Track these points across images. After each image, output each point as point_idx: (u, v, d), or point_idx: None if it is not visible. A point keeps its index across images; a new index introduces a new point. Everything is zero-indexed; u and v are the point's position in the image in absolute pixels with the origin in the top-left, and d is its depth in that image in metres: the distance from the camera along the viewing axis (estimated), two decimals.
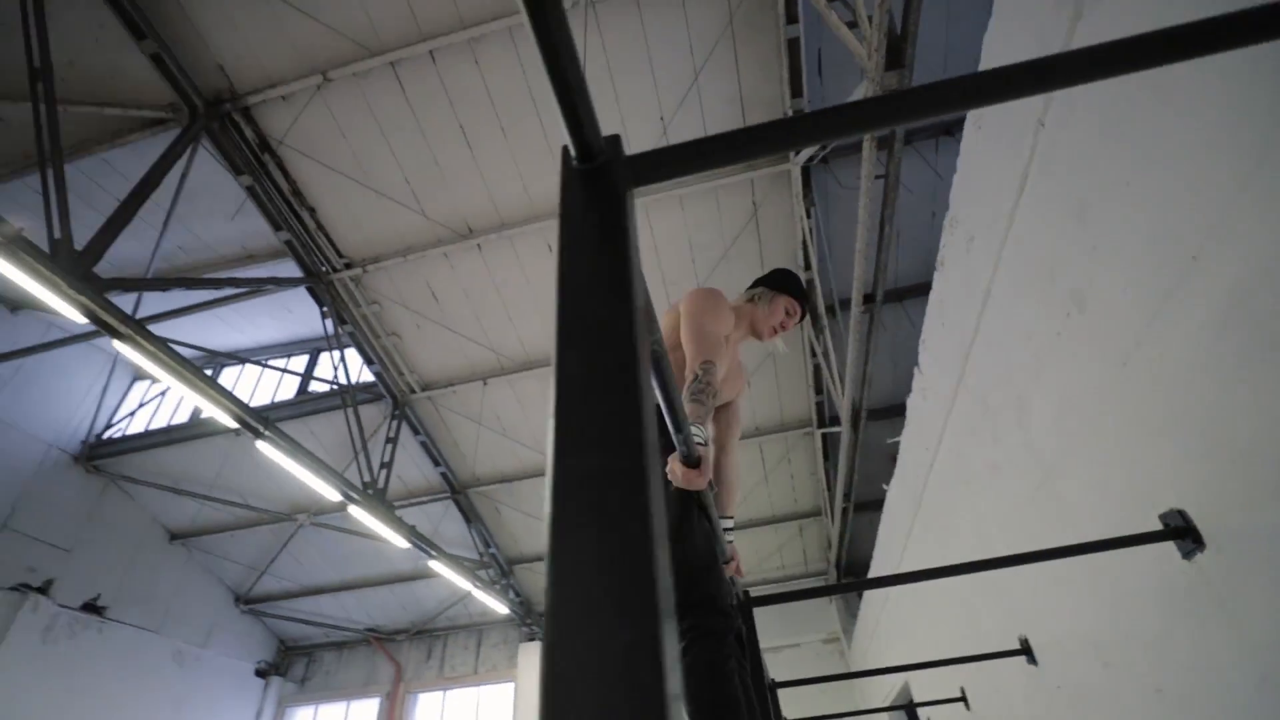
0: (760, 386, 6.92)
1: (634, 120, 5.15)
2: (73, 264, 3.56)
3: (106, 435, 7.62)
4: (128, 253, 5.59)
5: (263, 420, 4.85)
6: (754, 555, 8.42)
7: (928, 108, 0.58)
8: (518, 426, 7.47)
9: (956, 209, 2.29)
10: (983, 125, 2.00)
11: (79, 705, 6.59)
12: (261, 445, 4.93)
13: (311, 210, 5.68)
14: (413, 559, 8.20)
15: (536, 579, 9.08)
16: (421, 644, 9.74)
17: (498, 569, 8.83)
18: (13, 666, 6.09)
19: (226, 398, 4.67)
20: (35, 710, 6.20)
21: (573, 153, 0.59)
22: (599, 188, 0.56)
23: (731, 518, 2.03)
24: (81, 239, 3.86)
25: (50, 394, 7.03)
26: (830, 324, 5.76)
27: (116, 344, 3.87)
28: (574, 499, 0.35)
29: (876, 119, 0.61)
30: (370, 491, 6.26)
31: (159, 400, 7.85)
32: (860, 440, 5.50)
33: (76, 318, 3.64)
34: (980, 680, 3.15)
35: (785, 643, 8.35)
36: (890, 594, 4.96)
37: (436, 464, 7.77)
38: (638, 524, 0.31)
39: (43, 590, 6.68)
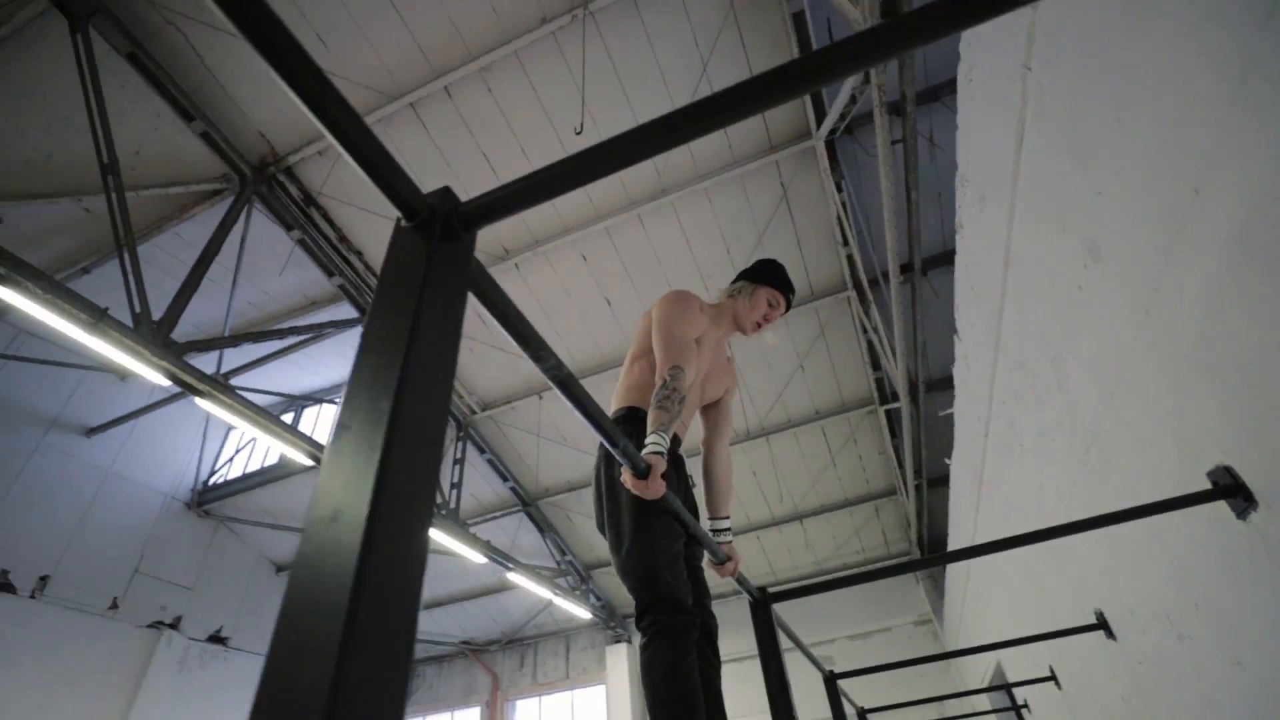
0: (815, 369, 6.76)
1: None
2: (152, 333, 3.93)
3: (211, 482, 8.34)
4: (206, 315, 6.12)
5: None
6: (830, 541, 8.22)
7: (845, 65, 0.54)
8: (578, 435, 7.61)
9: (965, 167, 2.16)
10: (973, 77, 1.89)
11: None
12: None
13: (359, 253, 6.02)
14: (496, 572, 8.50)
15: (616, 582, 9.22)
16: (514, 653, 10.09)
17: (576, 575, 9.03)
18: (156, 695, 6.79)
19: (299, 438, 5.02)
20: None
21: (399, 214, 0.63)
22: (425, 243, 0.59)
23: (726, 518, 2.00)
24: (161, 309, 4.27)
25: (160, 449, 7.77)
26: (879, 296, 5.55)
27: (197, 400, 4.25)
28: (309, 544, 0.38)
29: (794, 82, 0.57)
30: (444, 512, 6.55)
31: (251, 445, 8.51)
32: (923, 414, 5.27)
33: (161, 381, 4.03)
34: (1066, 658, 2.96)
35: (875, 628, 8.10)
36: (970, 572, 4.72)
37: (505, 479, 8.04)
38: (340, 578, 0.34)
39: (174, 626, 7.40)
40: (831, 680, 2.52)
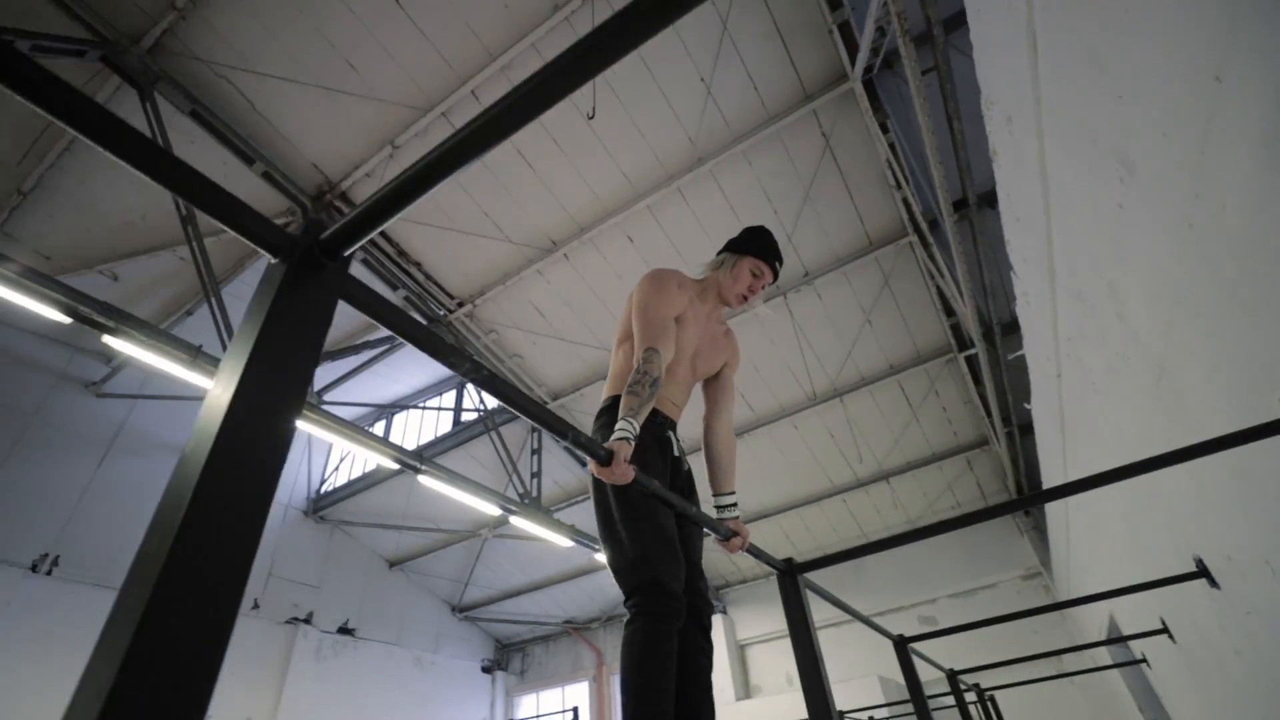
0: (884, 322, 6.44)
1: (679, 95, 5.03)
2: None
3: (323, 490, 9.12)
4: None
5: (418, 458, 5.51)
6: (922, 498, 7.87)
7: None
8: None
9: (987, 88, 1.96)
10: None
11: (350, 708, 8.04)
12: (422, 479, 5.61)
13: (418, 264, 6.30)
14: (587, 553, 8.81)
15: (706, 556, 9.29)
16: (615, 629, 10.44)
17: None
18: (299, 682, 7.60)
19: (385, 445, 5.38)
20: (321, 715, 7.67)
21: (322, 237, 0.65)
22: (287, 277, 0.61)
23: (729, 493, 1.94)
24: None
25: None
26: (941, 239, 5.19)
27: None
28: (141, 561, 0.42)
29: None
30: (527, 501, 6.84)
31: (352, 454, 9.21)
32: (1002, 358, 4.91)
33: None
34: (1174, 609, 2.70)
35: (979, 584, 7.72)
36: (1069, 523, 4.38)
37: (583, 464, 8.26)
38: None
39: (308, 620, 8.22)
40: (902, 644, 2.43)
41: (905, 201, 5.27)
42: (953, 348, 6.34)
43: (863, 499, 7.97)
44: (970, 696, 4.37)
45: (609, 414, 1.80)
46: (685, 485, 1.91)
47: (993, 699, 4.60)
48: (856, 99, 4.83)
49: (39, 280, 3.49)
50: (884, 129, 4.83)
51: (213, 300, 4.52)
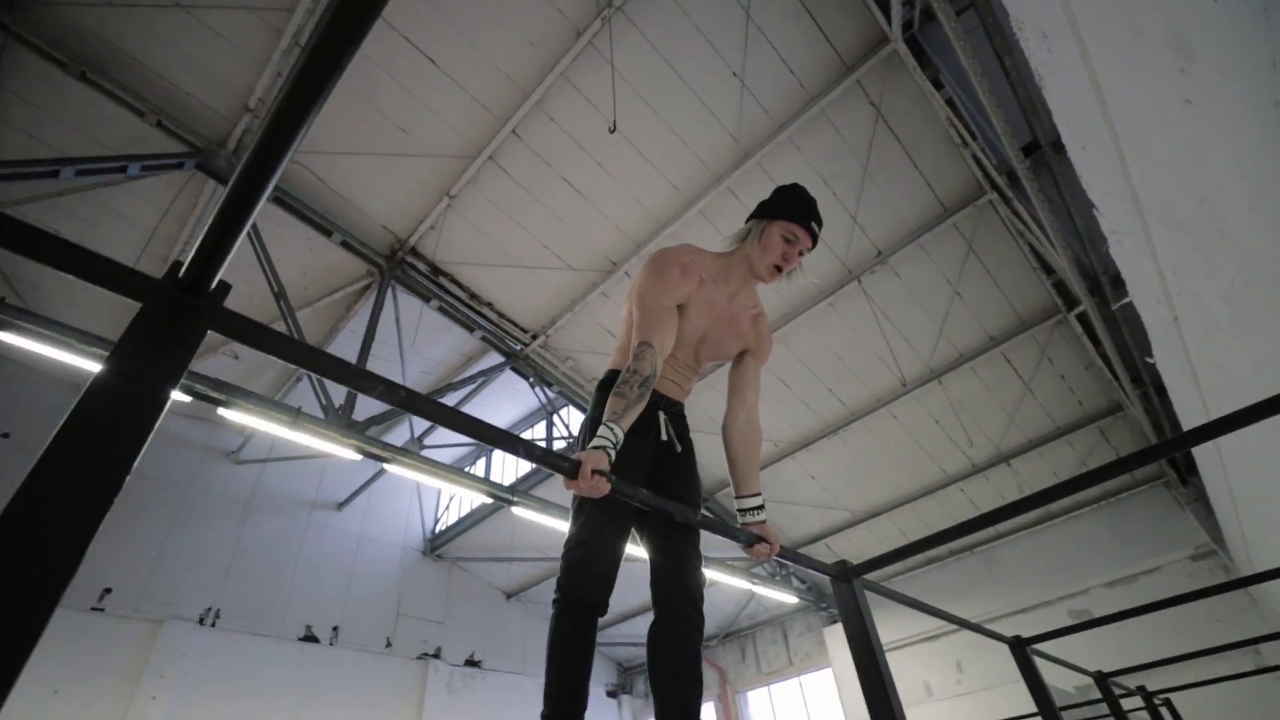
0: (975, 291, 5.92)
1: (713, 94, 4.94)
2: (337, 419, 4.66)
3: (437, 529, 9.63)
4: None
5: (509, 491, 5.67)
6: (1054, 478, 7.07)
7: None
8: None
9: (1014, 7, 1.73)
10: None
11: None
12: (516, 511, 5.75)
13: (489, 305, 6.57)
14: None
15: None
16: (734, 645, 10.15)
17: (773, 562, 8.84)
18: (435, 715, 7.98)
19: (479, 482, 5.58)
20: None
21: (181, 275, 0.65)
22: (151, 319, 0.60)
23: (752, 495, 1.77)
24: (342, 398, 5.06)
25: (392, 510, 9.18)
26: (1022, 192, 4.69)
27: (386, 466, 4.93)
28: None
29: None
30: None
31: (457, 493, 9.67)
32: (1116, 311, 4.32)
33: (354, 456, 4.75)
34: None
35: (1139, 569, 6.79)
36: (1229, 484, 3.73)
37: None
38: None
39: (437, 655, 8.64)
40: (1020, 647, 2.13)
41: (975, 158, 4.84)
42: (1060, 308, 5.70)
43: (983, 485, 7.29)
44: (1134, 702, 3.79)
45: (603, 391, 1.75)
46: (677, 471, 1.79)
47: (1168, 703, 3.96)
48: (902, 59, 4.52)
49: None
50: (937, 85, 4.47)
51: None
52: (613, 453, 1.35)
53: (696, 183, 5.55)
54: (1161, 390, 5.36)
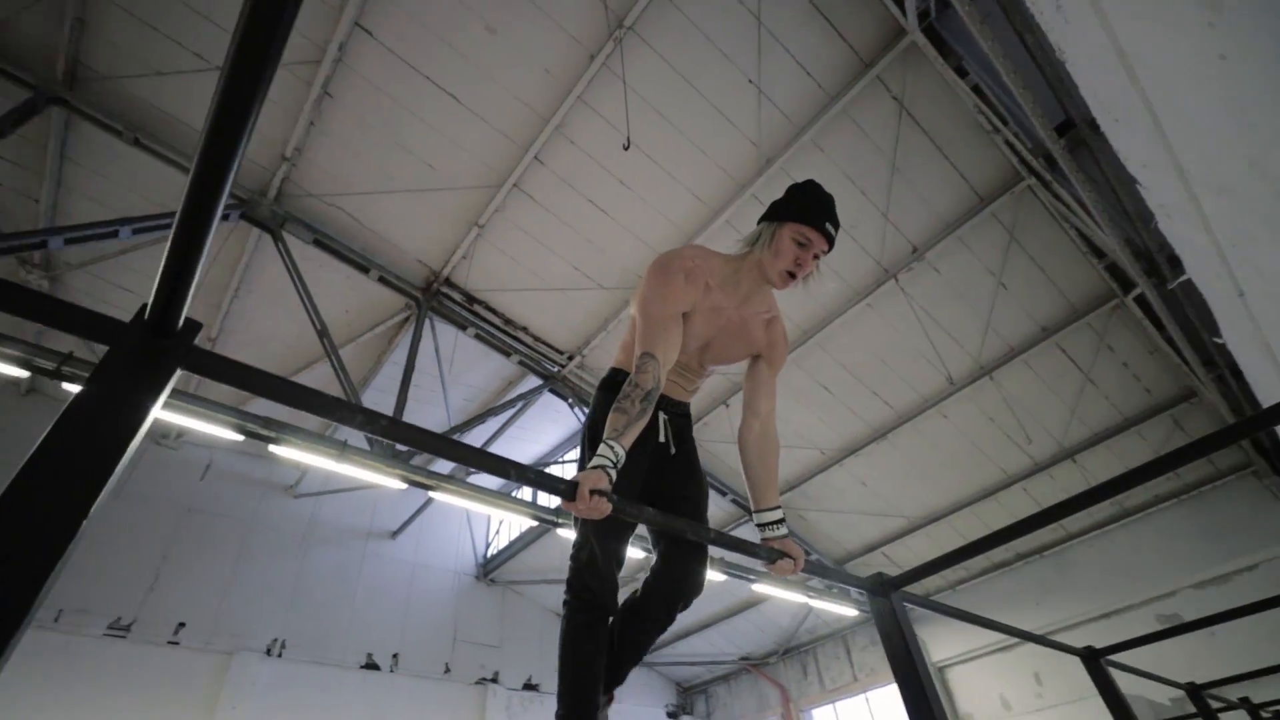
0: (1020, 281, 5.66)
1: (729, 103, 4.92)
2: (383, 450, 4.78)
3: (489, 554, 9.73)
4: (432, 420, 7.26)
5: (554, 513, 5.69)
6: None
7: None
8: (780, 432, 7.29)
9: None
10: None
11: None
12: (561, 532, 5.76)
13: (524, 329, 6.66)
14: (746, 584, 8.47)
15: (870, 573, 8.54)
16: (795, 662, 9.85)
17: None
18: None
19: (523, 505, 5.62)
20: None
21: (146, 317, 0.66)
22: (120, 362, 0.61)
23: (771, 509, 1.70)
24: None
25: (443, 536, 9.34)
26: (1060, 175, 4.48)
27: (432, 494, 5.02)
28: None
29: None
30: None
31: (506, 517, 9.76)
32: (1177, 291, 4.05)
33: (400, 485, 4.85)
34: None
35: (1232, 568, 6.26)
36: None
37: (724, 493, 8.04)
38: None
39: (495, 680, 8.67)
40: (1092, 658, 1.96)
41: (1009, 143, 4.65)
42: (1115, 292, 5.38)
43: (1047, 484, 6.89)
44: (1237, 716, 3.46)
45: (607, 392, 1.76)
46: (676, 473, 1.79)
47: (1278, 716, 3.61)
48: (921, 50, 4.40)
49: (217, 409, 4.15)
50: (961, 73, 4.33)
51: (350, 397, 5.08)
52: (613, 472, 1.32)
53: (720, 193, 5.52)
54: (1237, 372, 4.98)
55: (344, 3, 4.31)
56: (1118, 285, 5.32)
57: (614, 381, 1.80)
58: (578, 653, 1.61)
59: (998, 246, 5.49)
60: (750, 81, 4.83)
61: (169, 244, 0.63)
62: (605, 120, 5.04)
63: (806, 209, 1.64)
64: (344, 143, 5.13)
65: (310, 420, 7.44)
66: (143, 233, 4.71)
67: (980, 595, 7.92)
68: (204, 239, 0.62)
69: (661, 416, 1.80)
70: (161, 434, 7.49)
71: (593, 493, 1.21)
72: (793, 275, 1.65)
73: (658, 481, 1.78)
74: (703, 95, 4.94)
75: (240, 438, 4.32)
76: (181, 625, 6.74)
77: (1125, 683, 2.31)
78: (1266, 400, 3.32)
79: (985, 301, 5.82)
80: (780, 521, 1.71)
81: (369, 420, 0.74)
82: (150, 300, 0.65)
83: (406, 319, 6.42)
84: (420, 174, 5.35)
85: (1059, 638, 6.78)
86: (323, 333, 5.26)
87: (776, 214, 1.69)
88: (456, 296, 6.25)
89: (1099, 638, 3.77)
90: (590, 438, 1.77)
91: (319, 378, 6.89)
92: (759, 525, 1.74)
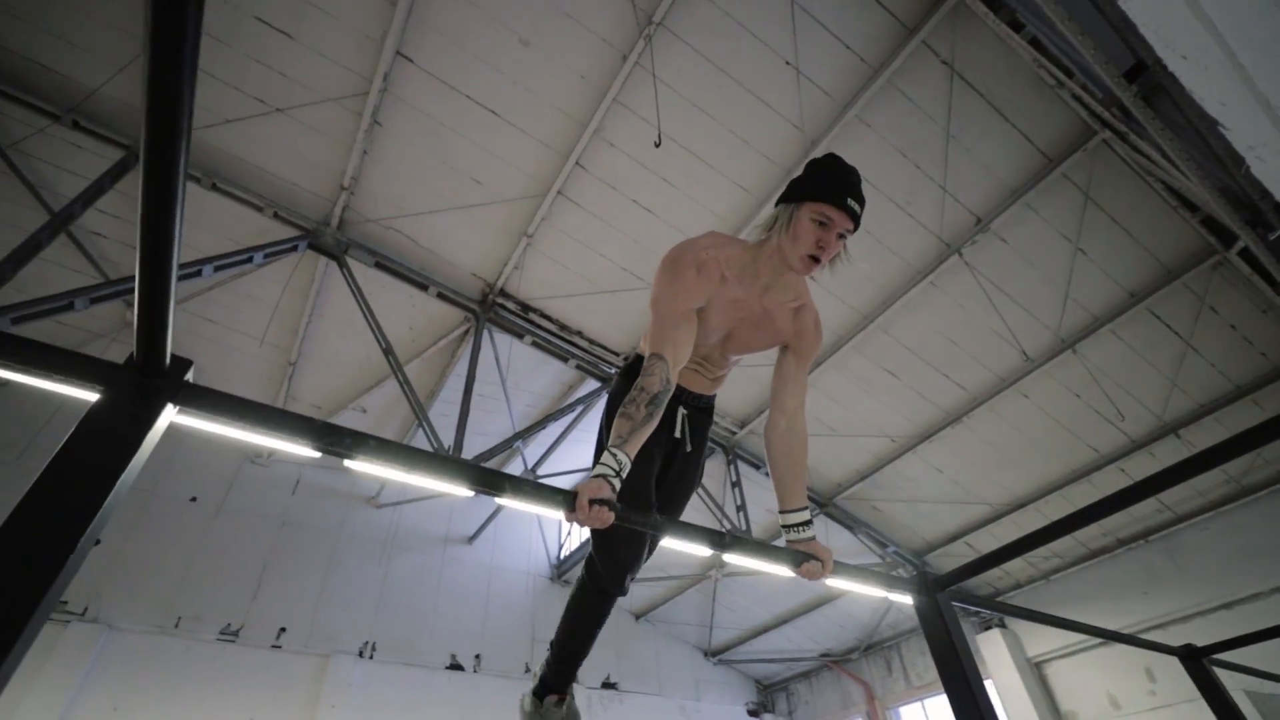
0: (1102, 244, 5.23)
1: (768, 87, 4.80)
2: (446, 459, 4.94)
3: (561, 555, 9.93)
4: (497, 428, 7.47)
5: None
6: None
7: None
8: (845, 421, 7.11)
9: None
10: None
11: None
12: None
13: (579, 333, 6.74)
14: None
15: (956, 564, 8.11)
16: (878, 658, 9.51)
17: (909, 566, 8.22)
18: None
19: None
20: None
21: (135, 359, 0.69)
22: (110, 405, 0.64)
23: (798, 510, 1.61)
24: (450, 439, 5.39)
25: (517, 539, 9.60)
26: (1137, 126, 4.09)
27: (496, 498, 5.15)
28: None
29: None
30: (729, 538, 6.66)
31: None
32: None
33: (467, 493, 5.01)
34: None
35: None
36: None
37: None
38: None
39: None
40: (1193, 658, 1.78)
41: (1076, 97, 4.31)
42: (1215, 247, 4.88)
43: (1147, 462, 6.34)
44: None
45: (625, 379, 1.78)
46: (681, 469, 1.80)
47: None
48: (969, 7, 4.15)
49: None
50: (1015, 27, 4.05)
51: (416, 410, 5.30)
52: (615, 481, 1.30)
53: (765, 180, 5.40)
54: None
55: (385, 33, 4.51)
56: (1217, 240, 4.82)
57: (634, 369, 1.80)
58: (577, 620, 1.84)
59: (1072, 210, 5.09)
60: (787, 63, 4.69)
61: (136, 287, 0.66)
62: (642, 119, 5.03)
63: (825, 185, 1.50)
64: (396, 167, 5.35)
65: (388, 431, 7.81)
66: (224, 269, 5.09)
67: (1077, 585, 7.38)
68: (168, 278, 0.65)
69: (681, 412, 1.76)
70: (255, 454, 8.08)
71: (593, 502, 1.20)
72: (815, 259, 1.51)
73: (663, 473, 1.80)
74: (739, 83, 4.84)
75: (315, 454, 4.59)
76: (283, 630, 7.24)
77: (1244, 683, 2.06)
78: None
79: (1062, 270, 5.41)
80: (808, 523, 1.63)
81: (356, 442, 0.77)
82: (135, 341, 0.68)
83: (466, 331, 6.64)
84: (468, 190, 5.51)
85: (1171, 631, 6.27)
86: (388, 351, 5.52)
87: (793, 194, 1.56)
88: (512, 306, 6.41)
89: (1216, 632, 3.40)
90: (608, 423, 1.74)
91: (388, 394, 7.23)
92: (785, 526, 1.66)
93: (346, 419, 7.48)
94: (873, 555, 8.21)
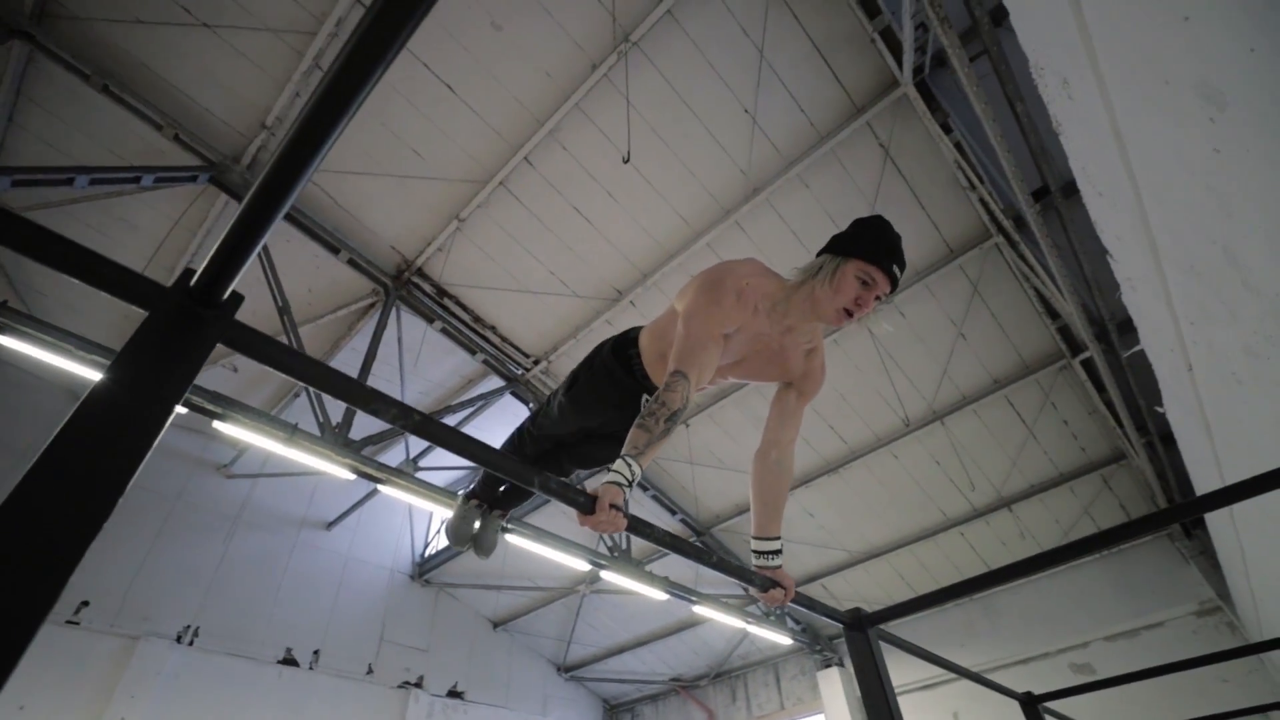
0: (979, 334, 5.92)
1: (723, 129, 5.01)
2: (334, 438, 4.60)
3: (427, 554, 9.44)
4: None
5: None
6: (1053, 526, 6.97)
7: None
8: (734, 455, 7.42)
9: (1033, 53, 1.75)
10: None
11: None
12: (511, 538, 5.64)
13: (492, 328, 6.56)
14: (687, 605, 8.48)
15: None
16: (724, 686, 9.88)
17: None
18: None
19: None
20: None
21: (192, 284, 0.62)
22: (161, 327, 0.57)
23: (771, 539, 1.70)
24: (339, 416, 5.00)
25: (381, 532, 9.01)
26: (1029, 236, 4.73)
27: (380, 488, 4.84)
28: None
29: None
30: (616, 555, 6.70)
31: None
32: (1122, 358, 4.31)
33: (348, 475, 4.67)
34: None
35: (1141, 624, 6.64)
36: (1240, 543, 3.66)
37: (673, 512, 8.05)
38: None
39: (419, 685, 8.38)
40: (1031, 704, 2.05)
41: (983, 201, 4.89)
42: (1064, 353, 5.69)
43: (983, 530, 7.18)
44: None
45: (616, 356, 1.93)
46: (617, 444, 1.92)
47: None
48: (911, 103, 4.60)
49: None
50: (946, 129, 4.54)
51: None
52: (629, 491, 1.31)
53: (705, 215, 5.60)
54: (1167, 440, 5.32)
55: None
56: (1067, 347, 5.63)
57: (624, 344, 1.92)
58: (507, 446, 2.25)
59: (962, 298, 5.73)
60: (746, 111, 4.94)
61: (240, 209, 0.59)
62: (600, 131, 5.06)
63: (875, 247, 1.55)
64: None
65: (258, 397, 7.11)
66: (100, 184, 4.44)
67: (911, 634, 8.14)
68: (277, 212, 0.59)
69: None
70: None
71: (611, 506, 1.21)
72: (849, 314, 1.55)
73: (602, 438, 2.12)
74: (699, 118, 5.01)
75: (180, 410, 4.08)
76: (84, 604, 6.28)
77: None
78: (1196, 468, 3.55)
79: (945, 349, 6.05)
80: (778, 552, 1.71)
81: (401, 414, 0.71)
82: (203, 265, 0.61)
83: (372, 305, 6.23)
84: (406, 160, 5.23)
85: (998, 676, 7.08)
86: (283, 309, 5.05)
87: (842, 248, 1.58)
88: (427, 288, 6.11)
89: (1019, 682, 3.93)
90: (580, 379, 2.02)
91: None
92: (757, 552, 1.72)
93: (211, 377, 6.72)
94: (736, 588, 8.56)
